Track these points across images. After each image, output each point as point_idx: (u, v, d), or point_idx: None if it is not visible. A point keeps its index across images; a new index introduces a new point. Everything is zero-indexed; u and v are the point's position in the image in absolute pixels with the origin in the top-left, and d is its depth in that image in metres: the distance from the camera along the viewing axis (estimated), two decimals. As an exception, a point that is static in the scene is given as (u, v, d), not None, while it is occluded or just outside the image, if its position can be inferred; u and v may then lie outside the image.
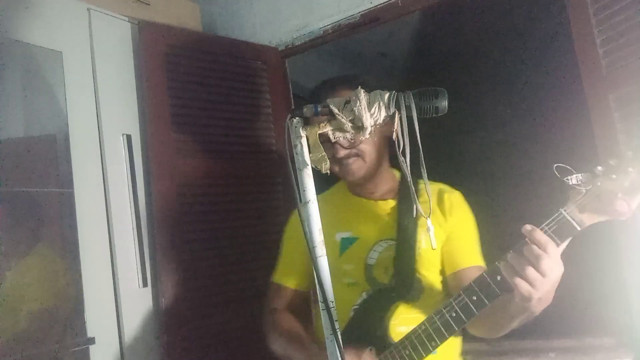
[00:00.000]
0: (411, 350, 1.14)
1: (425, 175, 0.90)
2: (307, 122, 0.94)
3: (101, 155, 1.78)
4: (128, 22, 1.95)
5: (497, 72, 3.91)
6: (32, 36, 1.67)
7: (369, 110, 0.89)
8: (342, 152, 1.33)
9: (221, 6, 2.42)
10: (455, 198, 1.43)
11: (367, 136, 0.92)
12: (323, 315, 0.89)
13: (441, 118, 0.92)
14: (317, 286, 0.89)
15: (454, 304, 1.11)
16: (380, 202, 1.41)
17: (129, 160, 1.84)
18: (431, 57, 3.65)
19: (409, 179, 0.89)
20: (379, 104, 0.89)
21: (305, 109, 0.93)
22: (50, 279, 1.60)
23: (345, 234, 1.38)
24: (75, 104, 1.74)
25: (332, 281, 1.19)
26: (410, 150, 0.89)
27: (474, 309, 1.08)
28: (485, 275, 1.08)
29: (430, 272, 1.33)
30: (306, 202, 0.91)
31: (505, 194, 4.01)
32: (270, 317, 1.48)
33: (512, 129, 4.09)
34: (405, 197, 1.39)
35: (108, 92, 1.84)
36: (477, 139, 4.28)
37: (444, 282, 1.35)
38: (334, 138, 0.96)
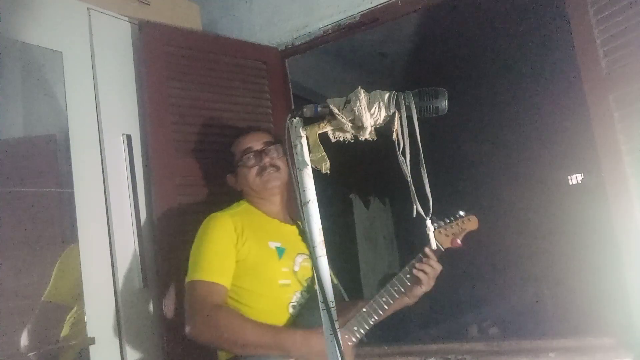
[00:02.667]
0: (358, 327, 1.51)
1: (425, 175, 0.90)
2: (307, 122, 0.94)
3: (101, 155, 1.78)
4: (128, 22, 1.95)
5: (497, 72, 3.92)
6: (32, 36, 1.67)
7: (369, 110, 0.89)
8: (267, 160, 1.64)
9: (221, 6, 2.42)
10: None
11: (367, 136, 0.93)
12: (323, 315, 0.89)
13: (441, 118, 0.92)
14: (317, 286, 0.89)
15: (383, 292, 1.56)
16: (286, 225, 1.69)
17: (129, 160, 1.84)
18: (431, 57, 3.65)
19: (409, 179, 0.89)
20: (379, 104, 0.89)
21: (305, 109, 0.93)
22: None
23: (277, 244, 1.59)
24: (75, 104, 1.74)
25: (270, 282, 1.53)
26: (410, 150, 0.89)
27: (395, 294, 1.56)
28: (401, 274, 1.59)
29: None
30: (306, 202, 0.91)
31: (506, 193, 4.02)
32: (220, 311, 1.43)
33: (512, 129, 4.09)
34: (298, 225, 1.71)
35: (108, 92, 1.84)
36: (476, 139, 4.28)
37: None
38: (334, 138, 0.97)
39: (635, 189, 1.50)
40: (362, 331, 1.51)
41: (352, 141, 0.96)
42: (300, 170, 0.92)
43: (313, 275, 1.55)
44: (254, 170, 1.65)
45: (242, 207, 1.67)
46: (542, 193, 3.84)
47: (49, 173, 1.68)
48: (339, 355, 0.88)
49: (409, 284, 1.57)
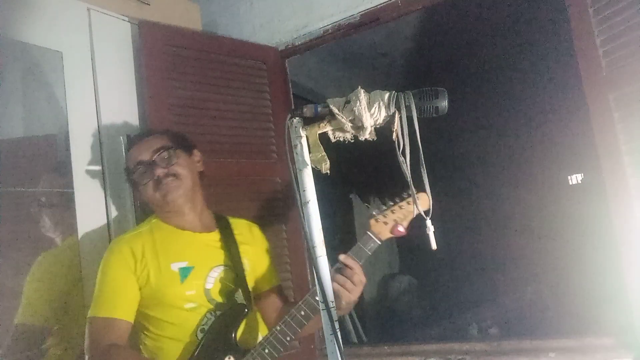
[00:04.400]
0: (270, 349, 1.37)
1: (425, 175, 0.90)
2: (307, 122, 0.94)
3: (101, 155, 1.78)
4: (128, 22, 1.95)
5: (497, 72, 3.91)
6: (32, 36, 1.67)
7: (369, 110, 0.89)
8: (160, 171, 1.47)
9: (221, 6, 2.42)
10: (257, 228, 1.67)
11: (367, 136, 0.93)
12: (323, 315, 0.89)
13: (441, 118, 0.92)
14: (317, 286, 0.89)
15: (302, 305, 1.37)
16: (205, 234, 1.53)
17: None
18: (431, 57, 3.65)
19: (409, 179, 0.89)
20: (379, 104, 0.89)
21: (305, 109, 0.93)
22: (50, 280, 1.60)
23: (182, 264, 1.44)
24: (75, 104, 1.74)
25: (174, 307, 1.40)
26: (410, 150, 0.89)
27: (317, 306, 1.35)
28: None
29: (251, 289, 1.54)
30: (306, 202, 0.91)
31: (506, 193, 4.01)
32: (111, 351, 1.32)
33: (512, 129, 4.09)
34: (224, 229, 1.57)
35: (108, 92, 1.84)
36: (476, 139, 4.28)
37: (256, 297, 1.57)
38: (334, 138, 0.96)
39: (635, 189, 1.50)
40: (275, 354, 1.36)
41: (352, 141, 0.96)
42: (300, 170, 0.92)
43: (233, 288, 1.47)
44: (149, 185, 1.48)
45: (150, 224, 1.53)
46: (542, 193, 3.84)
47: (49, 173, 1.68)
48: (339, 355, 0.87)
49: None
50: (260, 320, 1.59)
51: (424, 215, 0.96)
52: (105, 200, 1.77)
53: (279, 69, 2.27)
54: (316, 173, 0.95)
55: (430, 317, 3.83)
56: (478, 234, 4.08)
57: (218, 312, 1.43)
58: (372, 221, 1.40)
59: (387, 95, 0.89)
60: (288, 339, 1.37)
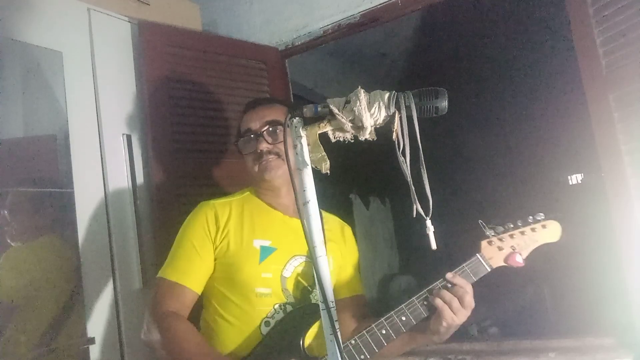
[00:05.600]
0: None
1: (425, 175, 0.90)
2: (307, 122, 0.94)
3: (101, 155, 1.78)
4: (128, 22, 1.95)
5: (497, 72, 3.91)
6: (32, 36, 1.66)
7: (369, 110, 0.89)
8: (265, 146, 1.38)
9: (221, 6, 2.42)
10: (350, 231, 1.57)
11: (367, 136, 0.92)
12: (323, 315, 0.89)
13: (441, 118, 0.92)
14: (317, 286, 0.89)
15: (384, 322, 1.24)
16: (294, 220, 1.43)
17: (129, 160, 1.84)
18: (431, 57, 3.65)
19: (409, 179, 0.89)
20: (379, 104, 0.89)
21: (305, 109, 0.93)
22: (50, 279, 1.60)
23: (265, 243, 1.36)
24: (75, 104, 1.74)
25: (245, 288, 1.30)
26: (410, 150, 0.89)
27: (402, 327, 1.23)
28: (415, 300, 1.25)
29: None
30: (306, 202, 0.91)
31: (506, 193, 4.01)
32: (167, 321, 1.26)
33: (512, 129, 4.09)
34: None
35: (108, 92, 1.84)
36: (476, 139, 4.28)
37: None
38: (334, 138, 0.96)
39: (635, 189, 1.50)
40: None
41: (352, 141, 0.96)
42: (300, 170, 0.92)
43: (311, 285, 1.35)
44: (250, 157, 1.42)
45: (243, 195, 1.49)
46: (542, 193, 3.84)
47: (49, 173, 1.68)
48: (339, 355, 0.87)
49: (424, 314, 1.23)
50: None
51: (424, 216, 0.96)
52: (105, 200, 1.77)
53: (279, 69, 2.27)
54: (316, 173, 0.95)
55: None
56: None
57: (288, 307, 1.31)
58: (484, 243, 1.24)
59: (387, 95, 0.89)
60: (362, 357, 1.21)
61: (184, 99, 1.96)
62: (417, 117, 0.88)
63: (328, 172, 0.97)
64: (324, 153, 0.94)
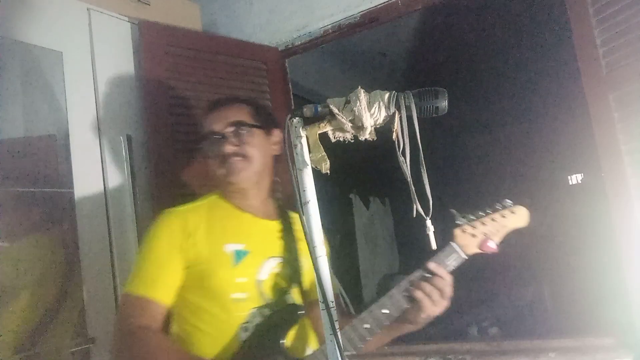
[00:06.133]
0: None
1: (425, 175, 0.90)
2: (307, 122, 0.94)
3: (101, 155, 1.78)
4: (128, 22, 1.95)
5: (497, 72, 3.91)
6: (32, 36, 1.66)
7: (369, 110, 0.89)
8: (229, 148, 1.33)
9: (221, 6, 2.42)
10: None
11: (367, 136, 0.92)
12: (323, 315, 0.89)
13: (441, 118, 0.92)
14: (317, 286, 0.89)
15: (367, 316, 1.20)
16: (267, 221, 1.40)
17: (129, 160, 1.84)
18: (431, 57, 3.65)
19: (409, 179, 0.89)
20: (379, 104, 0.89)
21: (305, 109, 0.93)
22: (50, 279, 1.60)
23: (238, 246, 1.30)
24: (75, 104, 1.74)
25: (219, 295, 1.25)
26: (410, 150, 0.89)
27: (385, 320, 1.20)
28: (395, 292, 1.22)
29: (305, 291, 1.37)
30: (306, 202, 0.91)
31: (506, 193, 4.01)
32: (138, 335, 1.19)
33: (512, 129, 4.09)
34: (285, 221, 1.42)
35: (108, 92, 1.84)
36: (477, 139, 4.28)
37: (308, 305, 1.37)
38: (334, 138, 0.96)
39: (635, 189, 1.50)
40: None
41: (352, 141, 0.96)
42: (300, 170, 0.92)
43: (288, 286, 1.32)
44: (215, 160, 1.36)
45: (209, 199, 1.42)
46: (542, 193, 3.84)
47: (49, 173, 1.68)
48: (339, 355, 0.87)
49: (405, 306, 1.21)
50: (310, 328, 1.39)
51: (424, 216, 0.96)
52: (105, 200, 1.76)
53: (279, 69, 2.27)
54: (316, 173, 0.95)
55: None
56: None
57: (267, 310, 1.26)
58: (458, 231, 1.22)
59: (387, 95, 0.89)
60: (348, 353, 1.17)
61: (184, 99, 1.96)
62: (417, 117, 0.88)
63: (328, 172, 0.97)
64: (324, 153, 0.94)
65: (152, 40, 1.93)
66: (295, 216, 1.46)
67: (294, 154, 0.93)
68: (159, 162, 1.87)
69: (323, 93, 3.12)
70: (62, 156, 1.68)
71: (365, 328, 1.19)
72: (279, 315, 1.27)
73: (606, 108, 1.55)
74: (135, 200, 1.81)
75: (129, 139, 1.85)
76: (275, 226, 1.40)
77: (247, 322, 1.25)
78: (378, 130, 0.94)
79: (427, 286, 1.18)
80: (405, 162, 0.89)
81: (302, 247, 1.36)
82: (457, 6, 2.71)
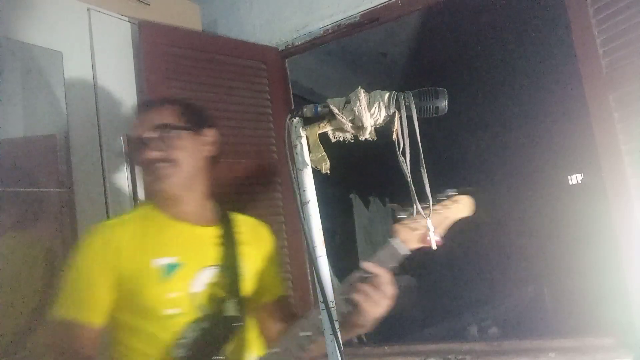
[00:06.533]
0: None
1: (424, 175, 0.90)
2: (307, 122, 0.94)
3: (101, 155, 1.78)
4: (128, 22, 1.95)
5: (497, 72, 3.92)
6: (32, 36, 1.66)
7: (369, 110, 0.89)
8: (154, 154, 1.23)
9: (221, 6, 2.43)
10: (266, 229, 1.43)
11: (367, 136, 0.92)
12: (323, 316, 0.89)
13: (441, 118, 0.92)
14: (317, 286, 0.89)
15: (305, 323, 1.13)
16: (203, 228, 1.30)
17: (129, 160, 1.84)
18: (431, 57, 3.65)
19: (409, 179, 0.89)
20: (379, 104, 0.89)
21: (305, 109, 0.93)
22: (49, 279, 1.60)
23: (168, 260, 1.21)
24: (75, 104, 1.74)
25: (150, 313, 1.17)
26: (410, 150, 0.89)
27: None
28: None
29: (248, 299, 1.30)
30: (306, 202, 0.91)
31: (506, 193, 4.01)
32: None
33: (512, 129, 4.09)
34: (225, 225, 1.34)
35: (108, 92, 1.84)
36: (477, 139, 4.28)
37: (256, 309, 1.34)
38: (334, 138, 0.96)
39: (635, 189, 1.50)
40: None
41: (352, 141, 0.96)
42: (300, 170, 0.92)
43: (226, 295, 1.24)
44: (143, 166, 1.28)
45: (139, 211, 1.34)
46: (542, 193, 3.84)
47: (49, 173, 1.68)
48: (339, 355, 0.87)
49: (344, 309, 1.13)
50: (254, 336, 1.33)
51: (424, 216, 0.96)
52: (105, 200, 1.76)
53: (279, 69, 2.27)
54: (316, 173, 0.95)
55: (430, 317, 3.82)
56: (478, 234, 4.09)
57: (203, 324, 1.19)
58: (398, 226, 1.17)
59: (387, 95, 0.89)
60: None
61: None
62: (417, 117, 0.88)
63: (328, 172, 0.97)
64: (324, 153, 0.94)
65: (152, 40, 1.93)
66: (239, 218, 1.40)
67: (294, 154, 0.93)
68: (159, 162, 1.87)
69: (323, 93, 3.12)
70: (62, 156, 1.68)
71: (305, 336, 1.11)
72: (215, 329, 1.20)
73: (606, 108, 1.55)
74: (135, 200, 1.81)
75: (129, 139, 1.85)
76: (213, 232, 1.31)
77: (182, 338, 1.17)
78: (378, 130, 0.94)
79: (365, 287, 1.11)
80: (405, 162, 0.89)
81: (245, 251, 1.31)
82: (457, 6, 2.70)
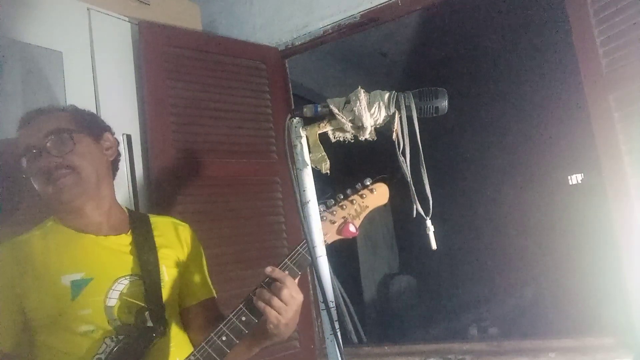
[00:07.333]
0: None
1: (424, 175, 0.90)
2: (307, 122, 0.94)
3: (101, 155, 1.78)
4: (128, 22, 1.95)
5: (497, 72, 3.92)
6: (32, 36, 1.66)
7: (369, 110, 0.89)
8: (52, 161, 1.14)
9: (221, 6, 2.43)
10: (187, 230, 1.36)
11: (367, 136, 0.93)
12: (323, 315, 0.89)
13: (441, 118, 0.92)
14: (318, 286, 0.89)
15: (224, 328, 1.09)
16: (113, 238, 1.22)
17: (129, 160, 1.83)
18: (431, 57, 3.65)
19: (409, 179, 0.89)
20: (379, 104, 0.89)
21: (305, 109, 0.93)
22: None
23: (76, 276, 1.14)
24: (75, 104, 1.73)
25: (63, 332, 1.11)
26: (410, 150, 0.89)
27: (244, 329, 1.09)
28: (241, 305, 1.11)
29: (170, 304, 1.25)
30: (306, 202, 0.91)
31: (506, 193, 4.01)
32: None
33: (512, 129, 4.09)
34: (139, 230, 1.27)
35: (108, 92, 1.84)
36: (477, 139, 4.28)
37: (181, 313, 1.29)
38: (334, 138, 0.97)
39: (635, 189, 1.50)
40: None
41: (352, 141, 0.96)
42: (300, 170, 0.92)
43: (145, 304, 1.18)
44: (38, 179, 1.17)
45: (45, 227, 1.24)
46: (542, 193, 3.84)
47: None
48: (339, 355, 0.88)
49: (255, 320, 1.09)
50: (178, 344, 1.24)
51: (424, 216, 0.96)
52: (105, 200, 1.76)
53: (279, 69, 2.27)
54: (316, 173, 0.95)
55: (430, 317, 3.83)
56: (478, 234, 4.09)
57: (120, 337, 1.13)
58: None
59: (387, 95, 0.89)
60: None
61: (184, 99, 1.96)
62: (417, 117, 0.88)
63: (328, 172, 0.97)
64: (324, 153, 0.94)
65: (152, 40, 1.93)
66: (156, 220, 1.33)
67: (294, 154, 0.93)
68: (159, 162, 1.87)
69: (323, 93, 3.12)
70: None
71: (223, 341, 1.09)
72: (134, 342, 1.14)
73: (606, 108, 1.55)
74: (135, 200, 1.81)
75: (129, 139, 1.85)
76: (124, 240, 1.24)
77: (99, 354, 1.12)
78: (378, 130, 0.94)
79: (265, 294, 1.06)
80: (405, 162, 0.89)
81: (163, 254, 1.25)
82: (457, 6, 2.71)
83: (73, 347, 1.12)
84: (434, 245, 0.99)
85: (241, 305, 1.09)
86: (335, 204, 1.14)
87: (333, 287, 0.93)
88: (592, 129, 1.58)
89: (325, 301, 0.88)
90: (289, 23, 2.27)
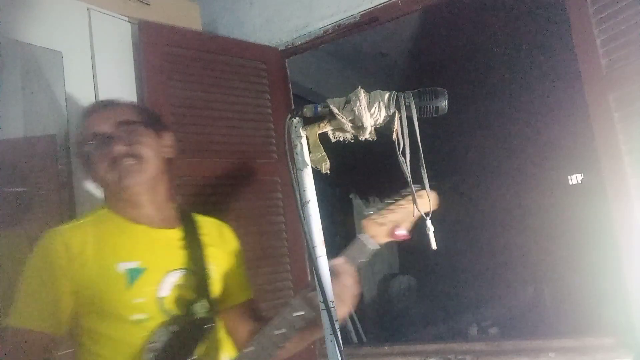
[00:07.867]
0: None
1: (425, 175, 0.90)
2: (307, 122, 0.94)
3: (101, 155, 1.78)
4: (128, 22, 1.96)
5: (497, 72, 3.92)
6: (32, 36, 1.67)
7: (369, 110, 0.89)
8: (120, 149, 1.18)
9: (221, 6, 2.43)
10: (229, 230, 1.41)
11: (367, 136, 0.92)
12: (323, 315, 0.89)
13: (441, 118, 0.92)
14: (317, 286, 0.89)
15: (278, 322, 1.12)
16: (164, 231, 1.26)
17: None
18: (431, 57, 3.65)
19: (409, 179, 0.89)
20: (379, 104, 0.89)
21: (305, 109, 0.93)
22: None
23: (132, 264, 1.17)
24: (75, 104, 1.74)
25: (117, 319, 1.13)
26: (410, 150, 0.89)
27: (297, 323, 1.12)
28: (306, 293, 1.14)
29: (216, 300, 1.28)
30: (306, 202, 0.91)
31: (506, 193, 4.02)
32: None
33: (512, 129, 4.09)
34: (188, 227, 1.30)
35: (108, 92, 1.83)
36: (477, 139, 4.28)
37: (223, 313, 1.31)
38: (334, 138, 0.96)
39: (635, 189, 1.50)
40: None
41: (352, 141, 0.96)
42: (300, 170, 0.92)
43: (195, 298, 1.21)
44: (104, 164, 1.19)
45: (97, 214, 1.26)
46: (542, 193, 3.84)
47: (49, 173, 1.68)
48: (339, 355, 0.87)
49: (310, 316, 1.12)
50: (225, 337, 1.31)
51: (424, 216, 0.96)
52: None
53: (279, 69, 2.27)
54: (316, 173, 0.95)
55: (430, 317, 3.83)
56: (478, 234, 4.09)
57: (173, 327, 1.16)
58: (366, 222, 1.19)
59: (387, 95, 0.89)
60: None
61: (184, 99, 1.96)
62: (417, 117, 0.88)
63: (328, 172, 0.97)
64: (324, 153, 0.94)
65: (152, 40, 1.93)
66: (202, 219, 1.37)
67: (294, 154, 0.93)
68: (159, 162, 1.87)
69: (323, 93, 3.12)
70: (62, 156, 1.68)
71: (278, 335, 1.11)
72: (186, 332, 1.17)
73: (606, 108, 1.55)
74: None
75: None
76: (175, 235, 1.27)
77: (153, 342, 1.13)
78: (378, 130, 0.94)
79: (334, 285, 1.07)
80: (405, 162, 0.89)
81: (210, 253, 1.28)
82: (457, 6, 2.71)
83: (124, 335, 1.13)
84: (434, 245, 0.98)
85: (304, 293, 1.12)
86: (384, 208, 1.18)
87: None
88: (592, 129, 1.58)
89: (325, 301, 0.88)
90: (289, 23, 2.27)
